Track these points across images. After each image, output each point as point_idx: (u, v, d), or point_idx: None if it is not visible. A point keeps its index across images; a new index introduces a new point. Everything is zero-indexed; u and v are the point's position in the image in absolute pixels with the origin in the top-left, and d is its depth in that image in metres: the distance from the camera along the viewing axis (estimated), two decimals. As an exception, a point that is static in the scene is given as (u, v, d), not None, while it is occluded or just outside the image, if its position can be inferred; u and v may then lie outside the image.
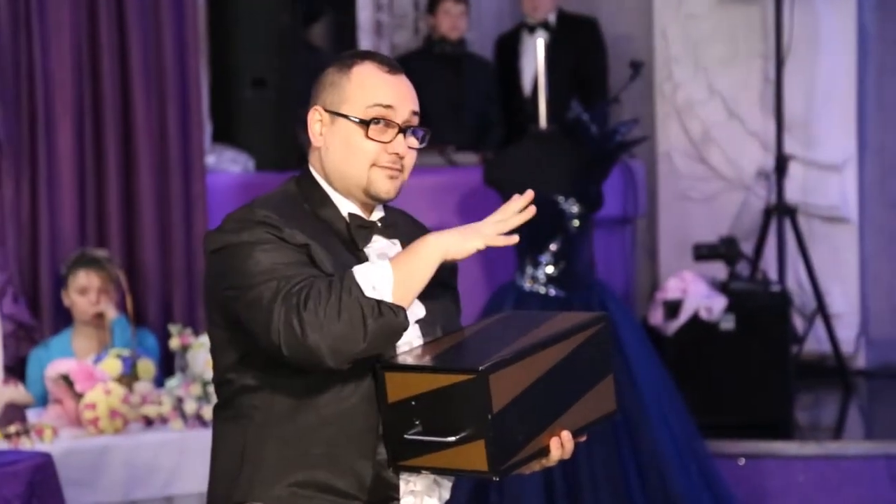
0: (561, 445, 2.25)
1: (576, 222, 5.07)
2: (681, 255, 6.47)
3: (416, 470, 2.23)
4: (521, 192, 5.27)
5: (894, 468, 5.16)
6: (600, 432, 4.58)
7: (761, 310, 5.66)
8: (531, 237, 4.96)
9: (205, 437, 3.88)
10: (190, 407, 3.92)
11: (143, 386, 3.97)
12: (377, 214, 2.37)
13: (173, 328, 4.13)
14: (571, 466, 4.58)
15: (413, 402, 2.17)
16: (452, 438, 2.14)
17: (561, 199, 5.07)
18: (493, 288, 5.35)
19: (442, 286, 2.38)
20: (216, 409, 2.37)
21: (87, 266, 4.39)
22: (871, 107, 6.86)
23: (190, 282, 5.14)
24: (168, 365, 4.33)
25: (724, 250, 5.92)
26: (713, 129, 6.88)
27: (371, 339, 2.16)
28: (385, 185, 2.31)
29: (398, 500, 2.29)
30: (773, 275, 6.32)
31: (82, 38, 4.98)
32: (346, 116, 2.29)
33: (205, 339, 4.08)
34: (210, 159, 5.68)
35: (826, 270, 6.52)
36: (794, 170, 6.59)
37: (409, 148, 2.32)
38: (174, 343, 4.09)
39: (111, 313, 4.35)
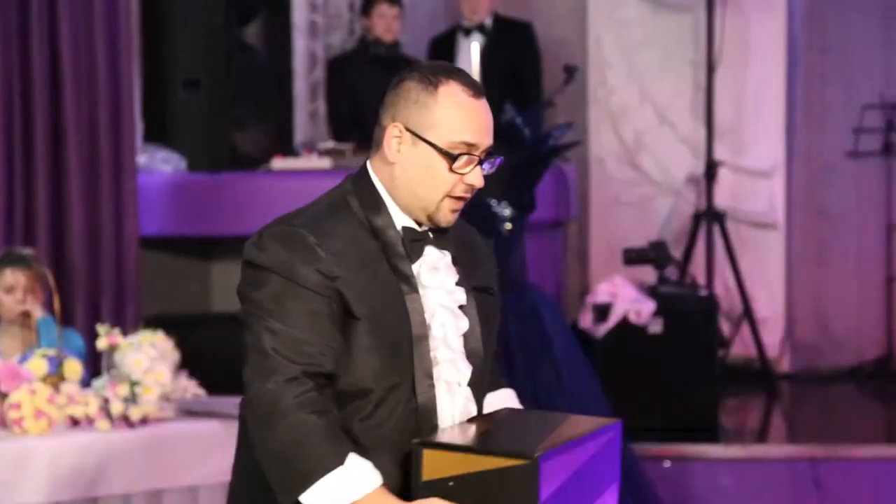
0: None
1: (508, 225, 5.09)
2: (611, 259, 6.53)
3: None
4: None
5: (817, 471, 5.23)
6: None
7: (689, 314, 5.72)
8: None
9: (131, 438, 3.88)
10: (116, 408, 3.90)
11: (70, 386, 3.94)
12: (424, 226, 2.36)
13: (101, 328, 4.10)
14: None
15: (451, 483, 2.09)
16: None
17: (493, 202, 5.09)
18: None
19: (482, 291, 2.39)
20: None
21: (13, 264, 4.35)
22: (799, 114, 6.95)
23: (119, 281, 5.11)
24: (95, 365, 4.30)
25: (653, 255, 5.98)
26: (645, 134, 6.95)
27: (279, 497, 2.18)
28: (450, 217, 2.32)
29: None
30: (701, 279, 6.40)
31: (12, 35, 4.94)
32: (431, 144, 2.28)
33: (133, 339, 4.06)
34: (141, 159, 5.65)
35: (753, 276, 6.61)
36: (724, 176, 6.67)
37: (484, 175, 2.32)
38: (102, 343, 4.06)
39: (37, 312, 4.31)
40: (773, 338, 6.70)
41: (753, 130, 6.85)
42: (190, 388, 4.18)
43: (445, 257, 2.35)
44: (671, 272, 6.04)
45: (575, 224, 6.85)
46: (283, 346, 2.20)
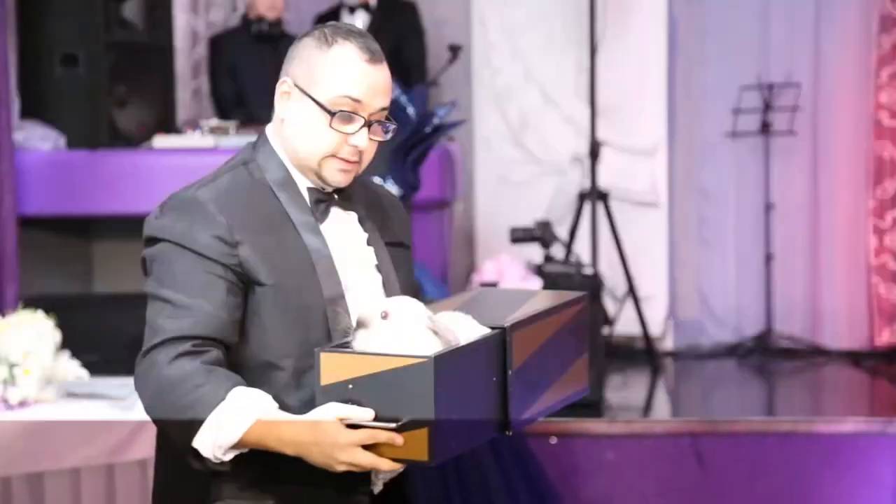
0: None
1: (393, 205, 5.08)
2: (497, 239, 6.56)
3: None
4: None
5: (699, 446, 5.31)
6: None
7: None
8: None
9: (9, 419, 3.80)
10: (-5, 390, 3.82)
11: (-54, 368, 3.85)
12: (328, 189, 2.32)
13: (-22, 309, 4.01)
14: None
15: (350, 385, 2.08)
16: (394, 425, 2.04)
17: (379, 180, 5.07)
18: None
19: (396, 245, 2.37)
20: None
21: None
22: (680, 94, 7.05)
23: (-3, 261, 4.99)
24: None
25: (539, 234, 6.01)
26: (530, 114, 6.98)
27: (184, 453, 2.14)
28: (336, 177, 2.27)
29: (369, 482, 2.25)
30: (586, 258, 6.46)
31: None
32: (313, 99, 2.23)
33: (12, 320, 3.97)
34: (19, 136, 5.52)
35: (636, 254, 6.69)
36: (607, 155, 6.74)
37: (372, 139, 2.26)
38: (-21, 324, 3.97)
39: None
40: (656, 315, 6.80)
41: (635, 110, 6.93)
42: (71, 369, 4.10)
43: (352, 217, 2.32)
44: (557, 251, 6.09)
45: (461, 203, 6.87)
46: (169, 315, 2.16)
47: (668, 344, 6.89)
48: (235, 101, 6.31)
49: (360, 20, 5.79)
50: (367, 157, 2.28)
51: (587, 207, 6.57)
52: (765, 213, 6.92)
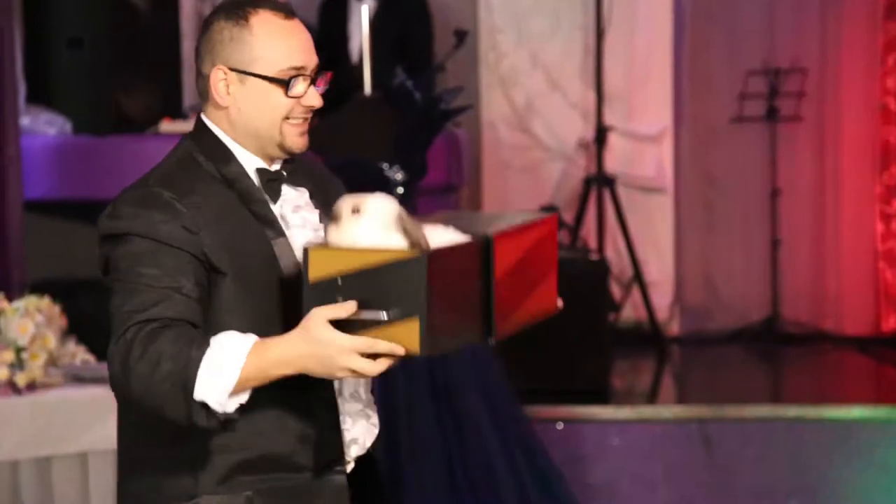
0: None
1: (400, 189, 5.08)
2: (503, 224, 6.53)
3: None
4: (345, 158, 5.23)
5: (706, 431, 5.31)
6: (421, 395, 4.61)
7: (580, 278, 5.76)
8: (355, 204, 4.96)
9: (18, 404, 3.80)
10: (2, 374, 3.82)
11: (-47, 353, 3.85)
12: (278, 164, 2.32)
13: (-15, 293, 4.01)
14: (391, 430, 4.60)
15: (339, 281, 2.06)
16: (384, 315, 2.03)
17: (385, 166, 5.06)
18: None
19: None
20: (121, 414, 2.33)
21: None
22: (686, 79, 7.04)
23: (3, 246, 4.99)
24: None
25: (545, 219, 6.00)
26: (536, 99, 6.97)
27: (187, 420, 2.09)
28: (299, 141, 2.27)
29: (344, 462, 2.25)
30: (592, 243, 6.46)
31: None
32: (261, 76, 2.23)
33: (18, 305, 3.97)
34: (25, 121, 5.52)
35: (643, 239, 6.69)
36: (613, 141, 6.73)
37: (321, 94, 2.30)
38: (-14, 308, 3.97)
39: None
40: (662, 301, 6.79)
41: (642, 95, 6.92)
42: (78, 353, 4.10)
43: (304, 194, 2.32)
44: (563, 237, 6.09)
45: (467, 188, 6.86)
46: (139, 301, 2.12)
47: (674, 329, 6.88)
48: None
49: (366, 5, 5.77)
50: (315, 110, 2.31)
51: (593, 193, 6.56)
52: (771, 198, 6.91)
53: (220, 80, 2.25)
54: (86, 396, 3.90)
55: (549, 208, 6.09)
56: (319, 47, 2.35)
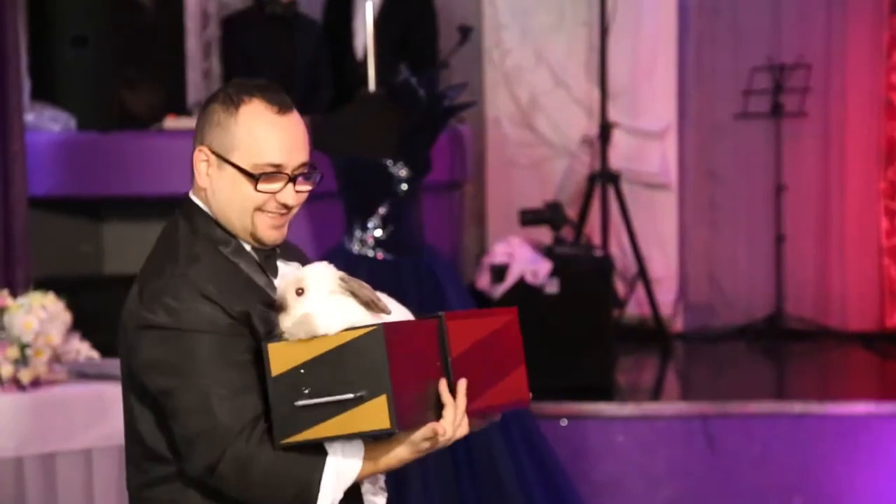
0: (453, 398, 2.18)
1: (404, 186, 5.08)
2: (508, 220, 6.55)
3: (307, 444, 2.12)
4: (349, 155, 5.24)
5: (709, 428, 5.31)
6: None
7: (585, 274, 5.76)
8: (360, 201, 4.95)
9: (22, 401, 3.81)
10: (6, 370, 3.82)
11: (-43, 349, 3.86)
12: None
13: (-11, 290, 4.02)
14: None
15: (301, 370, 2.09)
16: (351, 395, 2.06)
17: (389, 162, 5.06)
18: (321, 251, 5.33)
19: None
20: (142, 488, 2.27)
21: None
22: (690, 75, 7.03)
23: (8, 243, 4.99)
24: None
25: (549, 216, 6.01)
26: (540, 95, 6.97)
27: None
28: (271, 234, 2.27)
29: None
30: (596, 240, 6.46)
31: None
32: (235, 166, 2.23)
33: (23, 301, 3.98)
34: (29, 117, 5.53)
35: (647, 236, 6.68)
36: (618, 137, 6.73)
37: (299, 192, 2.27)
38: (-10, 305, 3.97)
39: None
40: (666, 297, 6.79)
41: (646, 92, 6.91)
42: (82, 350, 4.11)
43: (298, 269, 2.31)
44: (567, 233, 6.09)
45: (471, 185, 6.86)
46: (229, 398, 2.14)
47: (678, 326, 6.88)
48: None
49: (370, 2, 5.77)
50: (296, 208, 2.29)
51: (597, 189, 6.56)
52: (775, 194, 6.90)
53: (201, 161, 2.26)
54: (90, 393, 3.91)
55: (554, 204, 6.09)
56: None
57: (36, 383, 3.88)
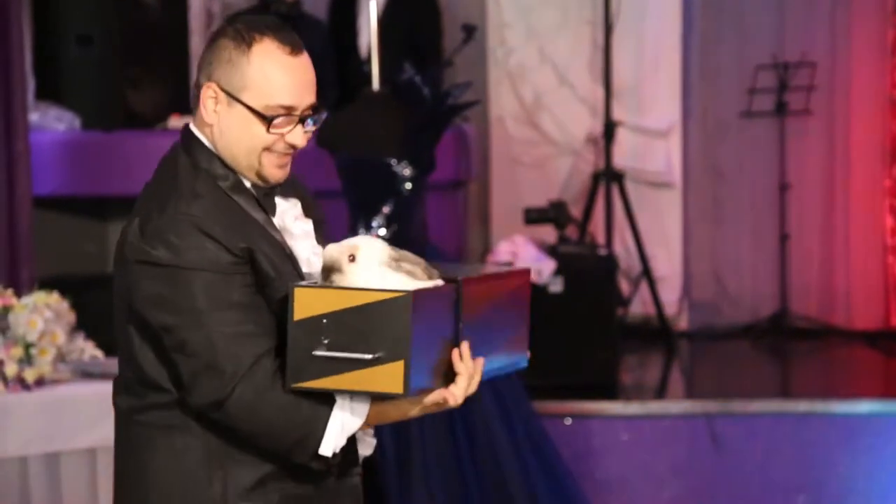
0: (462, 360, 2.19)
1: (408, 185, 5.08)
2: (512, 219, 6.55)
3: (315, 391, 2.12)
4: (354, 154, 5.24)
5: (714, 426, 5.31)
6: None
7: (589, 273, 5.76)
8: (364, 200, 4.96)
9: (27, 400, 3.81)
10: (11, 370, 3.82)
11: (-38, 349, 3.86)
12: None
13: (-7, 289, 4.02)
14: (402, 424, 4.61)
15: (324, 320, 2.09)
16: (370, 356, 2.07)
17: (393, 161, 5.07)
18: (324, 250, 5.33)
19: (318, 225, 2.38)
20: (137, 412, 2.28)
21: None
22: (695, 74, 7.03)
23: (12, 242, 5.00)
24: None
25: (553, 214, 6.01)
26: (544, 94, 6.97)
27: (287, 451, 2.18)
28: (276, 173, 2.26)
29: (359, 465, 2.32)
30: (600, 239, 6.45)
31: None
32: (247, 106, 2.22)
33: (27, 301, 3.98)
34: (34, 117, 5.53)
35: (651, 235, 6.68)
36: (622, 136, 6.72)
37: (307, 133, 2.27)
38: (-6, 304, 3.98)
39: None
40: (671, 296, 6.78)
41: (650, 90, 6.91)
42: (87, 349, 4.11)
43: (297, 205, 2.33)
44: (571, 232, 6.09)
45: (476, 184, 6.86)
46: (236, 334, 2.14)
47: (682, 324, 6.88)
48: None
49: (377, 0, 5.77)
50: (301, 148, 2.29)
51: (602, 188, 6.56)
52: (780, 193, 6.90)
53: (209, 98, 2.24)
54: (94, 392, 3.91)
55: (558, 203, 6.09)
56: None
57: (40, 383, 3.88)
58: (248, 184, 2.27)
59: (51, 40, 5.74)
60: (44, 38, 5.74)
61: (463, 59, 6.19)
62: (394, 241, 4.97)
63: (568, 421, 5.35)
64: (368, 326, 2.07)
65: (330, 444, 2.16)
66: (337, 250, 2.15)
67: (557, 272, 5.71)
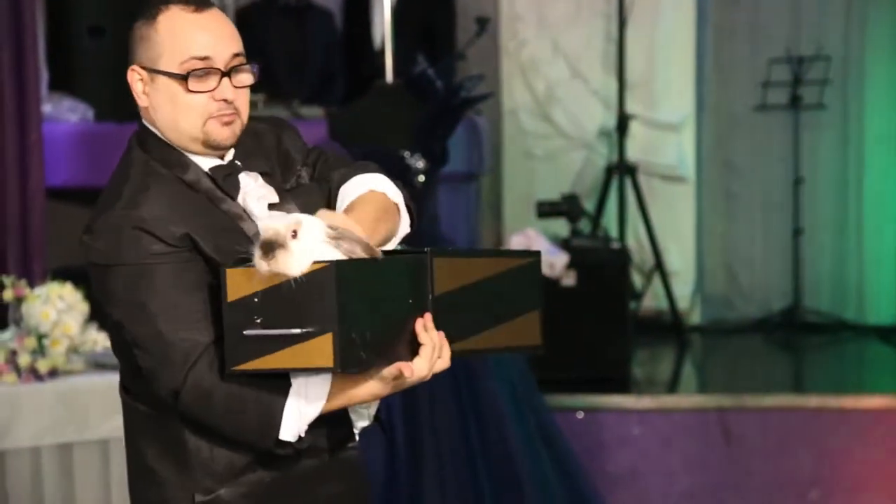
0: (426, 330, 2.15)
1: (421, 178, 5.07)
2: (525, 212, 6.54)
3: (254, 374, 2.09)
4: (366, 146, 5.23)
5: (726, 421, 5.30)
6: (442, 386, 4.61)
7: (602, 266, 5.75)
8: (376, 192, 4.95)
9: (39, 390, 3.82)
10: (24, 360, 3.83)
11: (-25, 339, 3.87)
12: (229, 153, 2.28)
13: (6, 279, 4.02)
14: (414, 419, 4.61)
15: (255, 299, 2.06)
16: (298, 331, 2.04)
17: (406, 154, 5.06)
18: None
19: (319, 180, 2.34)
20: (133, 399, 2.28)
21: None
22: (708, 67, 7.01)
23: (25, 233, 5.00)
24: (2, 318, 4.22)
25: (566, 208, 6.00)
26: (557, 87, 6.95)
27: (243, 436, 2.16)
28: (222, 134, 2.22)
29: (355, 439, 2.30)
30: (613, 232, 6.44)
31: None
32: (163, 73, 2.20)
33: (40, 291, 3.99)
34: (47, 108, 5.54)
35: (664, 228, 6.67)
36: (635, 129, 6.71)
37: (238, 88, 2.23)
38: (7, 295, 3.98)
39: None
40: (683, 290, 6.78)
41: (663, 83, 6.89)
42: (99, 340, 4.11)
43: (258, 180, 2.28)
44: (584, 225, 6.08)
45: (488, 177, 6.85)
46: (183, 326, 2.13)
47: (695, 319, 6.87)
48: (263, 75, 6.30)
49: (388, -7, 5.77)
50: (243, 106, 2.25)
51: (615, 181, 6.55)
52: (793, 187, 6.88)
53: (136, 81, 2.24)
54: (107, 383, 3.91)
55: (571, 197, 6.08)
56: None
57: (53, 373, 3.89)
58: (205, 167, 2.23)
59: (64, 32, 5.74)
60: (57, 29, 5.74)
61: (476, 51, 6.18)
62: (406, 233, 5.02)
63: (580, 414, 5.34)
64: (298, 301, 2.05)
65: (291, 430, 2.14)
66: (281, 224, 2.10)
67: (570, 266, 5.70)
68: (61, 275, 4.32)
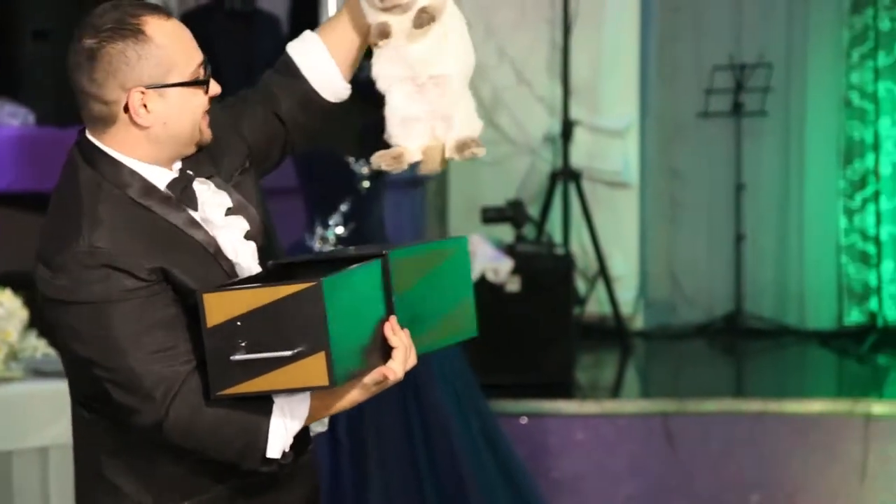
0: (395, 334, 2.16)
1: (366, 183, 5.07)
2: (469, 218, 6.55)
3: (242, 397, 2.07)
4: (311, 152, 5.21)
5: (669, 425, 5.34)
6: (387, 389, 4.61)
7: (546, 272, 5.77)
8: (321, 198, 4.94)
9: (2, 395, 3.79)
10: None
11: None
12: (177, 164, 2.26)
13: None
14: (356, 421, 4.60)
15: (238, 323, 2.04)
16: (288, 353, 2.02)
17: (351, 160, 5.06)
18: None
19: (241, 174, 2.34)
20: (82, 417, 2.26)
21: None
22: (652, 74, 7.06)
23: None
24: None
25: (511, 213, 6.02)
26: (503, 93, 6.97)
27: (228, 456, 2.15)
28: (208, 131, 2.25)
29: (311, 444, 2.29)
30: (557, 238, 6.47)
31: None
32: (181, 84, 2.18)
33: (3, 299, 3.95)
34: (-13, 112, 5.48)
35: (608, 234, 6.70)
36: (580, 135, 6.74)
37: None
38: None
39: None
40: (627, 295, 6.81)
41: (608, 89, 6.93)
42: (39, 347, 4.08)
43: (210, 186, 2.26)
44: (529, 231, 6.10)
45: (434, 182, 6.85)
46: (161, 357, 2.11)
47: (638, 324, 6.91)
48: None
49: (333, -2, 5.76)
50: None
51: (559, 187, 6.57)
52: (736, 193, 6.94)
53: (140, 105, 2.17)
54: (47, 390, 3.88)
55: (516, 202, 6.10)
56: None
57: (-8, 381, 3.85)
58: (161, 184, 2.21)
59: (6, 36, 5.68)
60: (0, 33, 5.68)
61: (421, 57, 6.18)
62: (351, 238, 5.02)
63: (524, 420, 5.36)
64: (283, 322, 2.03)
65: (276, 447, 2.14)
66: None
67: (514, 271, 5.72)
68: (1, 281, 4.28)
